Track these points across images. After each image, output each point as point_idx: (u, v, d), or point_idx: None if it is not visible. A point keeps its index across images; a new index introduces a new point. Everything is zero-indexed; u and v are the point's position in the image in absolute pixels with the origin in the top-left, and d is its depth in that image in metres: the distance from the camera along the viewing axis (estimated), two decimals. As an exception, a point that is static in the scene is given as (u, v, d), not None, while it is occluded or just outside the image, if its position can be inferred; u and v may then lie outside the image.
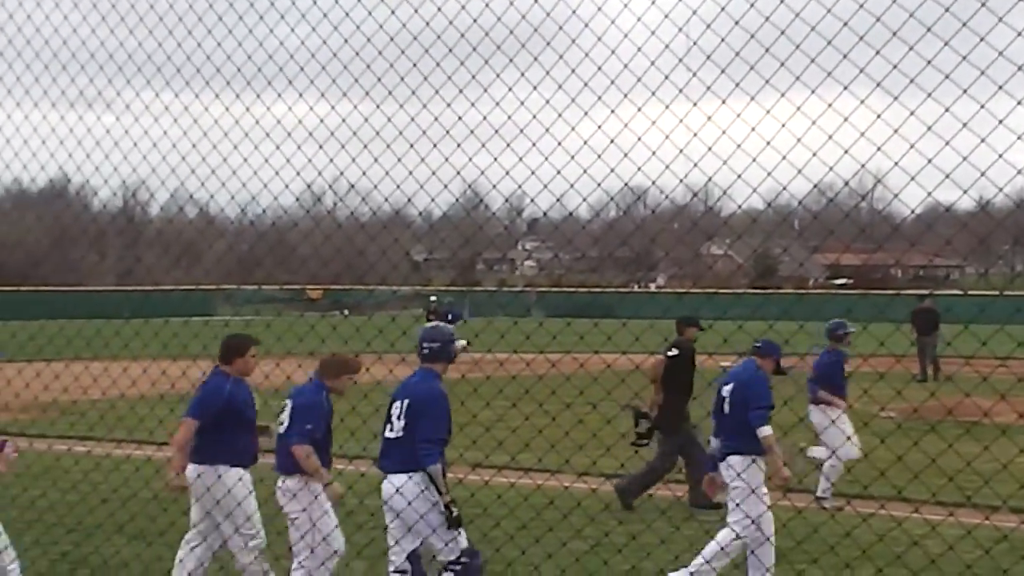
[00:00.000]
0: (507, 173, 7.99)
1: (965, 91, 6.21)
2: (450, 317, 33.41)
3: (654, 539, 11.22)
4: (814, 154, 6.46)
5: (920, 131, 6.40)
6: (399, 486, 8.71)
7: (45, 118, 9.81)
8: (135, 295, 62.38)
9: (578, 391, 14.12)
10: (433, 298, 41.23)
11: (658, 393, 14.24)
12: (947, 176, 6.49)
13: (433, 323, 9.49)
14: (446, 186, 8.46)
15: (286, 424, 9.43)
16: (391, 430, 8.85)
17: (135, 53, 9.24)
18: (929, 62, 6.27)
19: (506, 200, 9.01)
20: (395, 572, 8.83)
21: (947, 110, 6.38)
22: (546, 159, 7.78)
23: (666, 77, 6.99)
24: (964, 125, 6.28)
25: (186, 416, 9.42)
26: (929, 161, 6.34)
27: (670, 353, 14.27)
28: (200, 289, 58.66)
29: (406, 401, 8.80)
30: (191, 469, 9.40)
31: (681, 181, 7.36)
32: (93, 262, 73.18)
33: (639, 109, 7.22)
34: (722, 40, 6.75)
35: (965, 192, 6.77)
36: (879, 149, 6.51)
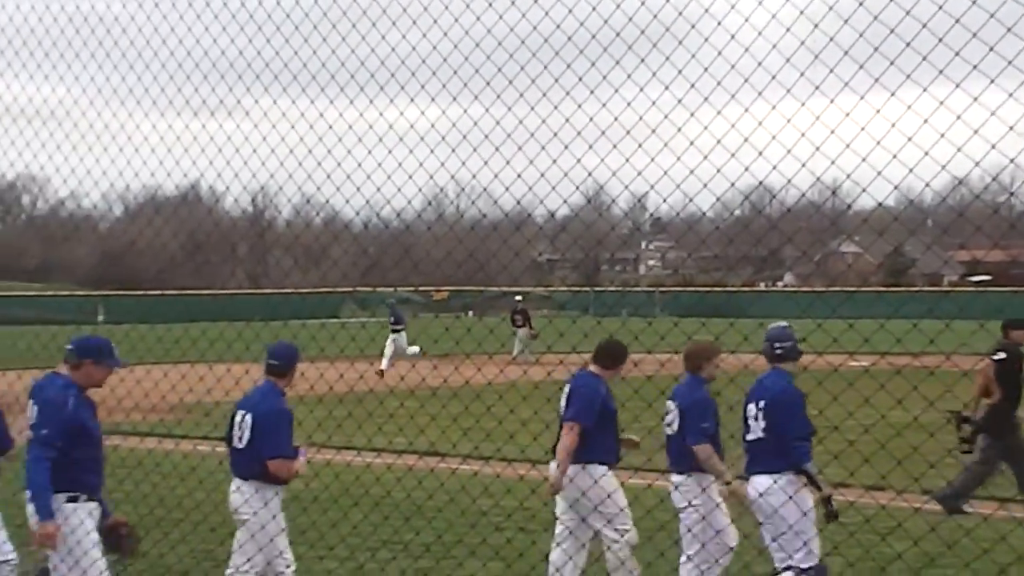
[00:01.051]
0: (639, 174, 7.91)
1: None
2: (393, 320, 34.03)
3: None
4: (959, 149, 6.27)
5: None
6: (765, 488, 8.87)
7: (171, 127, 9.98)
8: (263, 298, 63.42)
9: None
10: (518, 298, 41.07)
11: (981, 397, 13.96)
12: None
13: (783, 324, 9.50)
14: (577, 188, 8.42)
15: (676, 424, 9.59)
16: (751, 432, 9.07)
17: (254, 61, 9.36)
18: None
19: (638, 200, 8.93)
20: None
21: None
22: (678, 159, 7.69)
23: (802, 74, 6.87)
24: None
25: (572, 420, 9.58)
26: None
27: (996, 357, 13.96)
28: (325, 292, 59.41)
29: (762, 402, 9.04)
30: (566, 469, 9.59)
31: (818, 179, 7.22)
32: (223, 266, 74.60)
33: (774, 107, 7.10)
34: (860, 35, 6.61)
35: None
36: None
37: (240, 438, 9.15)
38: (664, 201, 7.99)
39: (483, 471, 13.28)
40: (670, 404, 9.78)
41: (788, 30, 6.85)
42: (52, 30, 10.04)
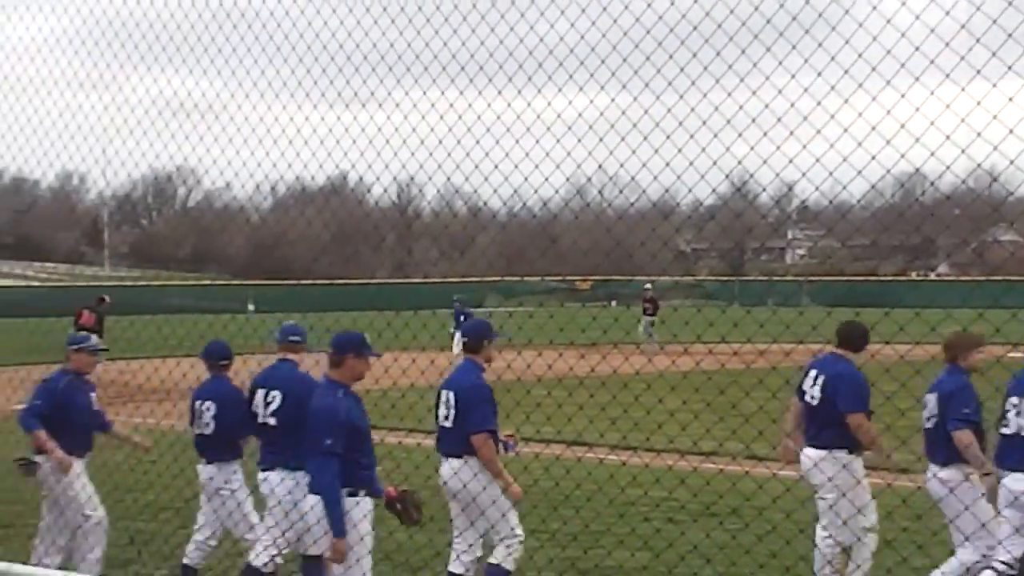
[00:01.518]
0: (791, 161, 7.80)
1: None
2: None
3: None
4: None
5: None
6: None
7: (323, 119, 10.12)
8: (409, 287, 64.20)
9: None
10: (647, 286, 40.69)
11: None
12: None
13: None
14: (727, 176, 8.33)
15: (934, 416, 9.56)
16: (1008, 427, 9.04)
17: (404, 53, 9.45)
18: None
19: (789, 188, 8.80)
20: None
21: None
22: (831, 145, 7.55)
23: (962, 58, 6.69)
24: None
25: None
26: None
27: None
28: (470, 281, 59.94)
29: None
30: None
31: (979, 166, 7.02)
32: (370, 256, 75.69)
33: (932, 93, 6.92)
34: None
35: None
36: None
37: (446, 417, 9.38)
38: (816, 189, 7.85)
39: (631, 461, 13.26)
40: (929, 397, 9.63)
41: (947, 13, 6.67)
42: (211, 26, 10.28)
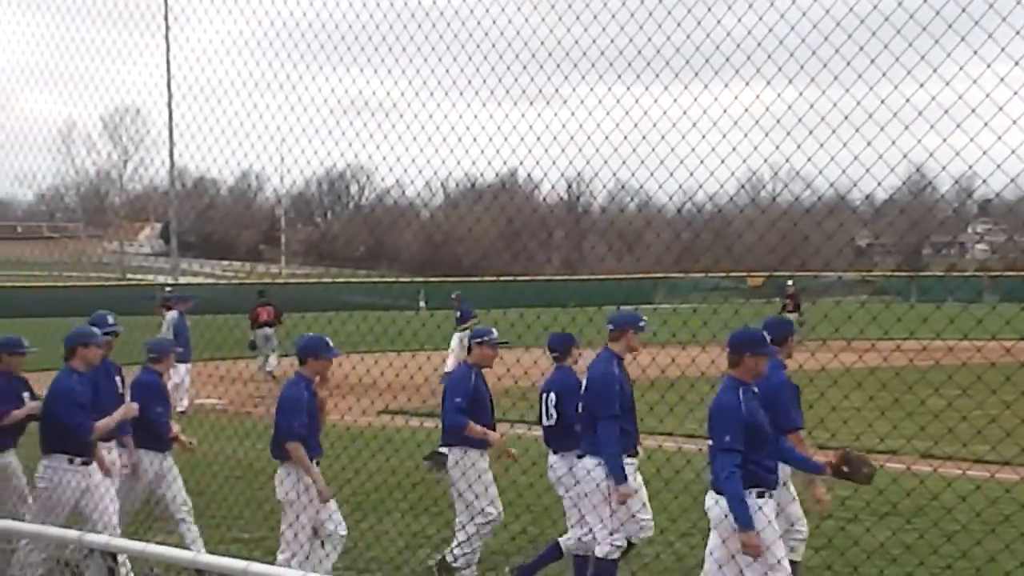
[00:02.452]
0: (957, 154, 7.70)
1: None
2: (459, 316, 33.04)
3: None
4: None
5: None
6: None
7: (492, 117, 10.30)
8: (578, 284, 64.36)
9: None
10: (790, 282, 40.35)
11: None
12: None
13: None
14: (892, 169, 8.26)
15: None
16: None
17: (572, 49, 9.57)
18: None
19: (955, 181, 8.69)
20: None
21: None
22: (999, 138, 7.45)
23: None
24: None
25: None
26: None
27: None
28: (638, 277, 59.77)
29: None
30: None
31: None
32: (539, 252, 76.04)
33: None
34: None
35: None
36: None
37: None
38: (983, 181, 7.74)
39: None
40: None
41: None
42: (382, 26, 10.55)
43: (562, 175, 10.79)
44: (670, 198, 9.82)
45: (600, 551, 9.93)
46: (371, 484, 14.30)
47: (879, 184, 8.24)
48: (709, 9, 8.57)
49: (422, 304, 57.28)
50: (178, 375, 23.02)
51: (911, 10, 7.52)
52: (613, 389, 9.93)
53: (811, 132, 8.16)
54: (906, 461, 14.59)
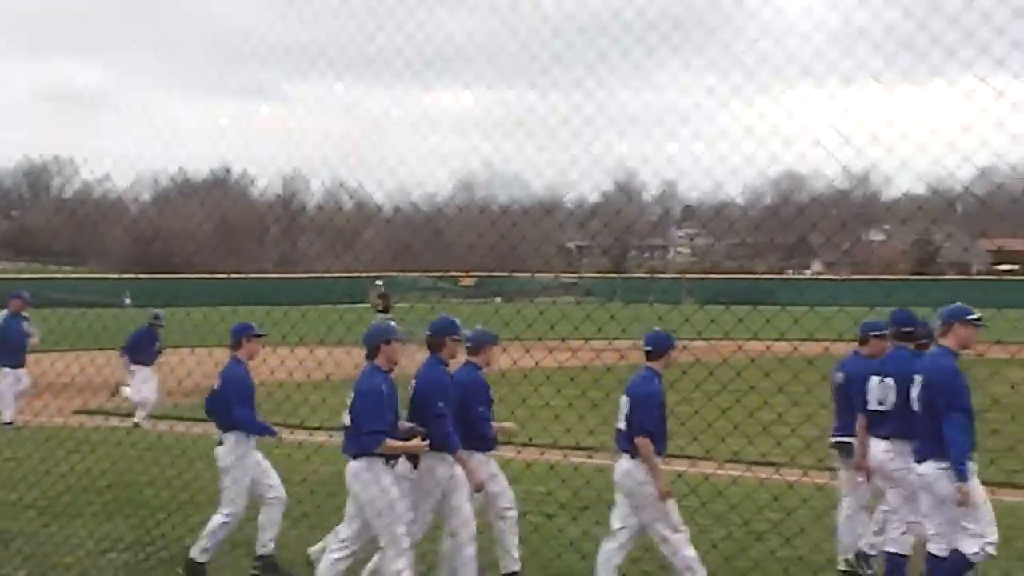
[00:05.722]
0: (669, 161, 7.99)
1: None
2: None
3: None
4: None
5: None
6: None
7: (208, 111, 10.08)
8: (291, 282, 63.61)
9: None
10: (379, 282, 41.10)
11: None
12: None
13: None
14: (609, 175, 8.48)
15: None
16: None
17: (292, 46, 9.46)
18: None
19: (665, 188, 8.98)
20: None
21: None
22: (739, 147, 7.75)
23: (891, 57, 6.92)
24: None
25: None
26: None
27: None
28: (354, 276, 59.55)
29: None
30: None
31: (846, 168, 7.26)
32: (253, 250, 74.89)
33: (838, 93, 7.15)
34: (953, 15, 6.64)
35: None
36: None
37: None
38: (715, 190, 8.04)
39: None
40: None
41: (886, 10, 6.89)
42: (92, 14, 10.17)
43: (279, 172, 10.64)
44: (387, 198, 9.83)
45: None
46: (62, 485, 13.84)
47: (597, 189, 8.45)
48: (430, 12, 8.61)
49: (127, 301, 55.50)
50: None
51: (627, 21, 7.73)
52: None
53: (554, 135, 8.30)
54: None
